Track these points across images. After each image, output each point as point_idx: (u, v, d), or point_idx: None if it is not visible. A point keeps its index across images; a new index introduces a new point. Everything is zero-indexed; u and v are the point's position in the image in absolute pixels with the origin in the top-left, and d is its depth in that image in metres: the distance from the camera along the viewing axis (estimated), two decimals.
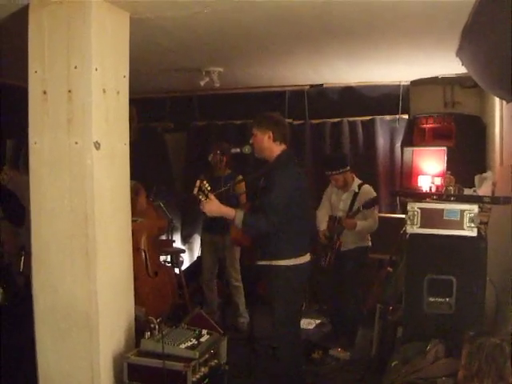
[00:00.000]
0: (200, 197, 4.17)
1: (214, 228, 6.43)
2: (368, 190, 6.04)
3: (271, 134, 4.46)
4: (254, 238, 4.67)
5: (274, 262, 4.42)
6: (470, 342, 2.36)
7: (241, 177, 6.55)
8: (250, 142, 4.60)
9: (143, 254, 5.47)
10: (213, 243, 6.75)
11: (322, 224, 6.16)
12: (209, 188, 4.20)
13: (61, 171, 3.63)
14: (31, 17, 3.63)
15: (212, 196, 4.23)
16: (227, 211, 4.32)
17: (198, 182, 4.17)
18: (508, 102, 4.92)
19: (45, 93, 3.62)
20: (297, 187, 4.41)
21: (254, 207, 4.56)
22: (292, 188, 4.35)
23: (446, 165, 7.00)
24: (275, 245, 4.39)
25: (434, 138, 7.37)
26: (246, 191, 6.16)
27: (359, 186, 6.07)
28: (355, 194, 6.00)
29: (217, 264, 6.93)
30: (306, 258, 4.53)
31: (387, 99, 7.56)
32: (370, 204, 5.80)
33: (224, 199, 5.58)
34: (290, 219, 4.35)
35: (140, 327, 4.00)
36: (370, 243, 6.17)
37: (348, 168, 6.06)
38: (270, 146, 4.49)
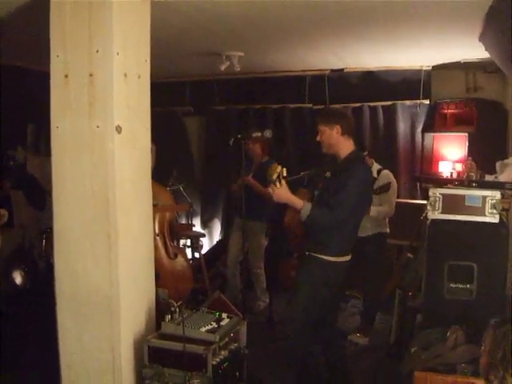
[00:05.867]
0: (276, 182, 4.18)
1: (248, 213, 6.15)
2: (386, 176, 6.01)
3: (339, 128, 4.41)
4: (308, 229, 4.61)
5: (319, 255, 4.39)
6: (493, 330, 2.34)
7: (276, 164, 6.58)
8: (317, 139, 4.54)
9: (163, 237, 5.49)
10: (243, 229, 6.66)
11: None
12: (285, 175, 4.20)
13: (82, 155, 3.64)
14: (53, 1, 3.63)
15: (283, 182, 4.23)
16: (296, 201, 4.29)
17: (278, 168, 4.17)
18: None
19: (66, 77, 3.63)
20: (365, 188, 4.42)
21: (318, 200, 4.52)
22: (362, 189, 4.33)
23: (467, 150, 6.96)
24: (324, 239, 4.37)
25: (456, 123, 7.33)
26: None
27: (378, 172, 6.04)
28: (373, 180, 5.96)
29: (243, 250, 6.91)
30: (346, 257, 4.49)
31: (408, 84, 7.50)
32: (382, 190, 5.76)
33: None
34: (349, 218, 4.34)
35: (163, 309, 4.03)
36: (387, 229, 6.15)
37: (364, 153, 6.03)
38: (340, 140, 4.44)
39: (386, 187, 5.74)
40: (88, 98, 3.59)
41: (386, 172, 6.05)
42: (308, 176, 5.99)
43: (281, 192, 4.24)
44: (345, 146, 4.47)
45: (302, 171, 5.39)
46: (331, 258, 4.37)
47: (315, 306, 4.47)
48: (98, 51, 3.54)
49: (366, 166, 4.54)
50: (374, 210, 5.80)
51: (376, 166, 6.09)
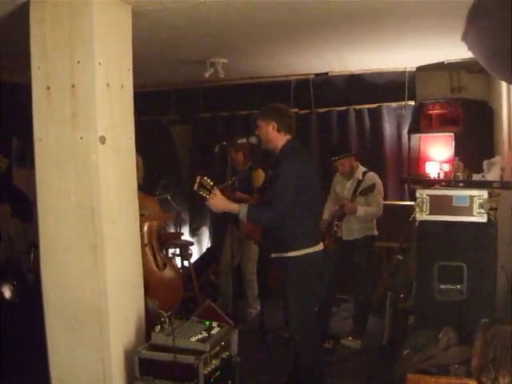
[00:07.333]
0: (201, 193, 4.14)
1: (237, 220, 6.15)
2: (371, 178, 6.01)
3: (275, 125, 4.44)
4: (264, 230, 4.64)
5: (285, 254, 4.39)
6: (484, 330, 2.33)
7: (260, 169, 6.55)
8: (256, 133, 4.58)
9: (152, 246, 5.46)
10: (236, 236, 6.64)
11: (325, 213, 6.15)
12: (211, 183, 4.17)
13: (66, 167, 3.61)
14: (32, 12, 3.61)
15: (217, 191, 4.20)
16: (231, 206, 4.29)
17: (197, 178, 4.13)
18: None
19: (48, 88, 3.61)
20: (303, 177, 4.35)
21: (263, 199, 4.54)
22: (298, 179, 4.30)
23: (453, 151, 6.98)
24: (285, 236, 4.36)
25: (441, 123, 7.35)
26: None
27: (364, 174, 6.04)
28: (359, 182, 5.97)
29: (236, 257, 6.88)
30: (318, 247, 4.50)
31: (393, 86, 7.51)
32: (367, 190, 5.78)
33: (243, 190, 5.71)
34: (298, 210, 4.31)
35: (152, 320, 4.00)
36: (376, 232, 6.15)
37: (352, 153, 6.06)
38: (275, 136, 4.47)
39: (370, 188, 5.76)
40: (71, 110, 3.57)
41: (371, 174, 6.05)
42: (238, 180, 6.02)
43: (216, 202, 4.24)
44: (281, 142, 4.49)
45: None
46: (299, 253, 4.36)
47: (309, 306, 4.51)
48: (79, 62, 3.53)
49: (301, 155, 4.51)
50: (361, 210, 5.81)
51: (361, 169, 6.10)
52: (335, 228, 5.89)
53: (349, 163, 6.01)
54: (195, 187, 4.12)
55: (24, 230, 6.47)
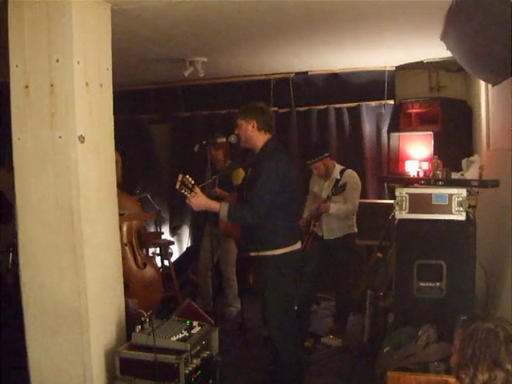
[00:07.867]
0: (183, 191, 4.14)
1: (216, 220, 6.14)
2: (349, 175, 6.00)
3: (255, 124, 4.45)
4: (243, 229, 4.65)
5: (263, 253, 4.41)
6: (462, 327, 2.35)
7: (240, 168, 6.53)
8: (235, 132, 4.57)
9: (132, 246, 5.45)
10: (213, 235, 6.63)
11: (305, 213, 6.16)
12: (192, 182, 4.16)
13: (45, 166, 3.59)
14: (11, 10, 3.58)
15: (197, 190, 4.20)
16: (213, 205, 4.29)
17: (180, 177, 4.12)
18: (493, 85, 4.93)
19: (27, 87, 3.58)
20: (283, 176, 4.37)
21: (242, 198, 4.54)
22: (278, 177, 4.32)
23: (433, 149, 7.01)
24: (263, 235, 4.38)
25: (421, 122, 7.38)
26: None
27: (341, 173, 6.02)
28: (337, 181, 5.96)
29: (215, 256, 6.86)
30: (296, 246, 4.53)
31: (373, 85, 7.54)
32: (338, 191, 5.78)
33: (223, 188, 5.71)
34: (277, 209, 4.34)
35: (133, 320, 3.98)
36: (355, 229, 6.15)
37: (326, 154, 6.01)
38: (255, 135, 4.48)
39: (342, 188, 5.75)
40: (49, 109, 3.55)
41: (348, 172, 6.03)
42: (219, 178, 6.03)
43: (197, 200, 4.23)
44: (261, 141, 4.51)
45: None
46: (278, 251, 4.39)
47: (287, 303, 4.56)
48: (58, 60, 3.51)
49: (281, 154, 4.52)
50: (333, 208, 5.80)
51: (338, 168, 6.07)
52: (312, 228, 5.90)
53: (323, 165, 5.97)
54: (177, 186, 4.11)
55: (2, 231, 6.41)
